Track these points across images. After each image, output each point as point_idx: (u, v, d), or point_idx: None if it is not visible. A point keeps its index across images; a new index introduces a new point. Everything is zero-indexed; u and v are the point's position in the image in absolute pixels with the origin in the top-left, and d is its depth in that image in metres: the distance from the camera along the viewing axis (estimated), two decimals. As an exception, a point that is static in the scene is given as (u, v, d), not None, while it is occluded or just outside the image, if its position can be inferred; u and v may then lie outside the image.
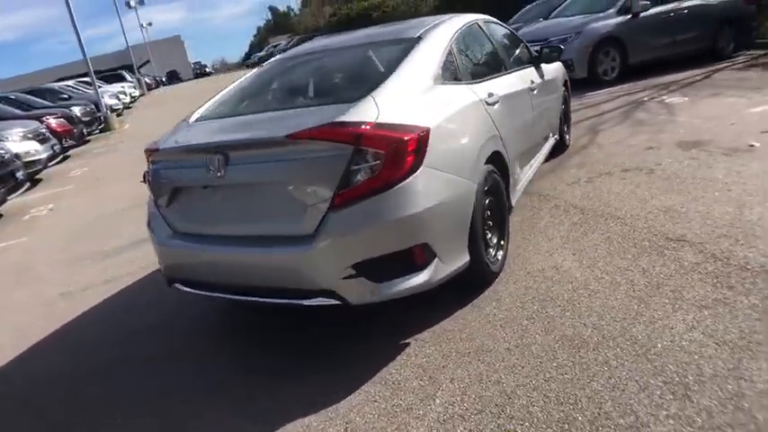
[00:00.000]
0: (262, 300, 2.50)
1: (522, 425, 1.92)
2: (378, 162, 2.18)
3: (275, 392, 2.36)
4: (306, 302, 2.36)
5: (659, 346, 2.20)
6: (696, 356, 2.10)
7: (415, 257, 2.31)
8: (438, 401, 2.12)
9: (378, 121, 2.26)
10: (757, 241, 2.88)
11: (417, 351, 2.46)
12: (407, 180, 2.23)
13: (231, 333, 3.06)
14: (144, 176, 2.88)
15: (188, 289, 2.74)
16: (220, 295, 2.65)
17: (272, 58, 3.87)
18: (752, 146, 4.43)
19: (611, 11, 8.67)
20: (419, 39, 3.05)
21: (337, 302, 2.30)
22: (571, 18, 9.19)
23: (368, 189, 2.19)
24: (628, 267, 2.87)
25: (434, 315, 2.71)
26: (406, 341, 2.55)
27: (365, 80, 2.81)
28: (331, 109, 2.41)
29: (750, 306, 2.35)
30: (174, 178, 2.66)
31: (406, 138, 2.24)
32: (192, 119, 3.08)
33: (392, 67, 2.78)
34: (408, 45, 2.99)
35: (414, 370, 2.34)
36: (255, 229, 2.45)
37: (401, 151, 2.22)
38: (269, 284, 2.42)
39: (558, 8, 10.23)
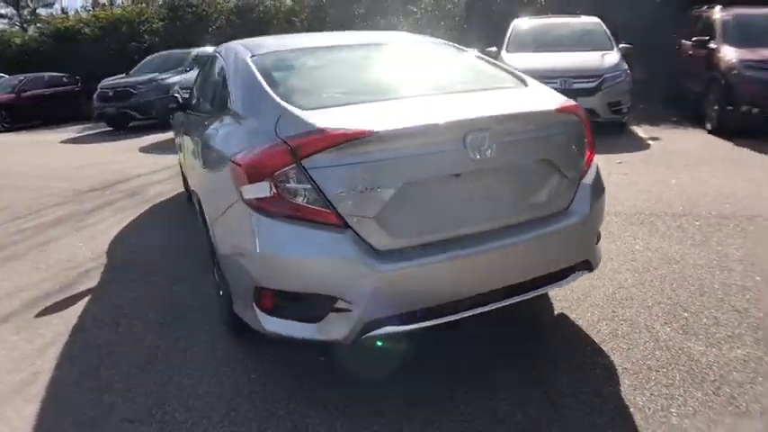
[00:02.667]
0: (502, 304, 2.21)
1: (715, 322, 2.72)
2: (586, 138, 2.46)
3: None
4: (558, 285, 2.35)
5: (700, 261, 3.36)
6: (720, 258, 3.39)
7: None
8: (662, 331, 2.63)
9: None
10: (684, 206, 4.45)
11: (591, 323, 2.76)
12: None
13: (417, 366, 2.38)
14: (277, 186, 1.92)
15: (404, 327, 2.04)
16: (445, 320, 2.11)
17: (272, 54, 2.89)
18: (619, 162, 6.04)
19: (181, 68, 11.23)
20: (452, 44, 3.28)
21: (586, 273, 2.42)
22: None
23: (591, 159, 2.47)
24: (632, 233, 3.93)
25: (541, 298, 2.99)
26: (559, 312, 2.84)
27: (483, 72, 2.91)
28: (520, 91, 2.55)
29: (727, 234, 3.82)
30: (401, 171, 1.98)
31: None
32: (314, 104, 2.23)
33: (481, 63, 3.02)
34: (453, 48, 3.23)
35: (608, 332, 2.71)
36: (510, 217, 2.19)
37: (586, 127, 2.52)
38: (525, 277, 2.22)
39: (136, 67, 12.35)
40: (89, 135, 11.21)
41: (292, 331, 2.05)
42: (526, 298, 2.27)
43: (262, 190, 1.95)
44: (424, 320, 2.07)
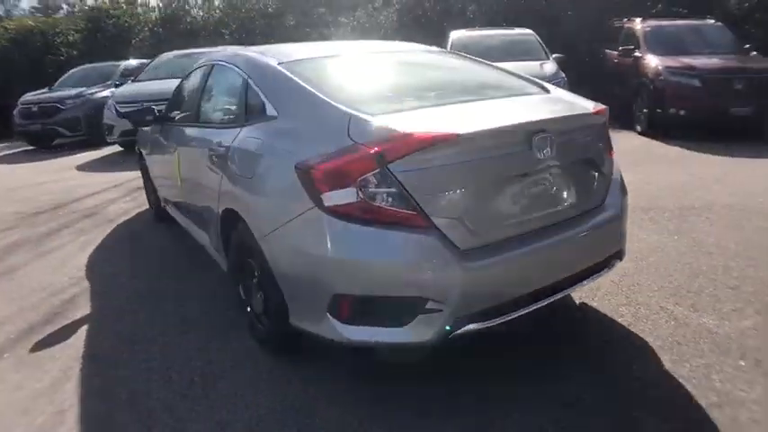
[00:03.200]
0: (558, 296, 2.33)
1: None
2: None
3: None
4: (604, 273, 2.52)
5: (682, 249, 3.71)
6: (697, 244, 3.74)
7: None
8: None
9: None
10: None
11: (612, 309, 2.96)
12: None
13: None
14: (361, 190, 1.93)
15: (485, 324, 2.09)
16: (519, 314, 2.19)
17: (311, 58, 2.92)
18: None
19: (110, 82, 10.79)
20: (462, 54, 3.41)
21: (618, 261, 2.61)
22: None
23: (612, 156, 2.67)
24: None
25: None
26: (580, 302, 3.03)
27: (508, 79, 3.05)
28: (551, 95, 2.76)
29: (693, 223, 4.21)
30: (478, 172, 2.08)
31: None
32: (378, 109, 2.23)
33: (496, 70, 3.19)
34: (465, 57, 3.38)
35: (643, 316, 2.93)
36: (562, 213, 2.34)
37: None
38: (583, 266, 2.38)
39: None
40: (10, 155, 10.30)
41: (376, 337, 2.04)
42: (582, 286, 2.44)
43: (347, 196, 1.95)
44: (502, 315, 2.14)
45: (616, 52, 9.07)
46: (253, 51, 3.18)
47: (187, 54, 10.33)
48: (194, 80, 3.77)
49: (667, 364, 2.38)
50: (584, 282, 2.46)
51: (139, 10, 14.85)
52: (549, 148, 2.20)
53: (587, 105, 2.55)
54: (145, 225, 5.12)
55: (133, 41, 14.28)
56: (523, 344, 2.62)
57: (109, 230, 5.00)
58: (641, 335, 2.63)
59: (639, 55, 8.33)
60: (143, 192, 6.31)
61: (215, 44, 13.93)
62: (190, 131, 3.48)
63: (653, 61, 7.92)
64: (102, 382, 2.61)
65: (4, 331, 3.19)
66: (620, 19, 10.09)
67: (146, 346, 2.87)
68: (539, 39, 9.06)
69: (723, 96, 7.02)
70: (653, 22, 8.96)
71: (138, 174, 7.28)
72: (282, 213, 2.19)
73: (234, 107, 2.94)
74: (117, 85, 10.44)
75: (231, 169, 2.64)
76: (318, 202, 2.01)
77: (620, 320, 2.78)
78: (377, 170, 1.94)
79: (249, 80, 2.75)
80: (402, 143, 1.95)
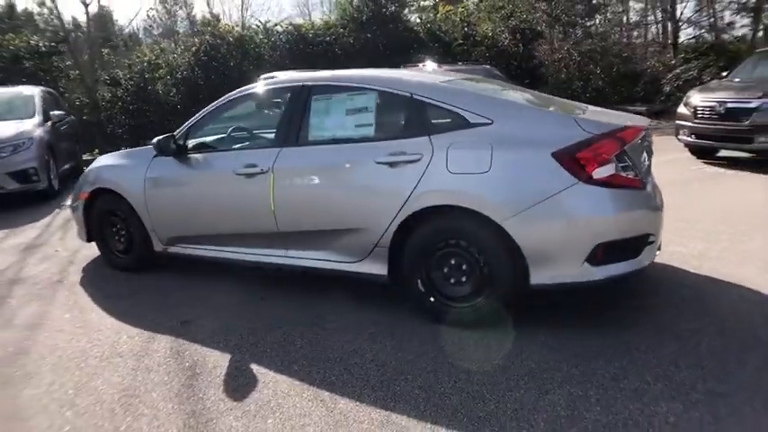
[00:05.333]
0: None
1: None
2: None
3: None
4: None
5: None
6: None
7: None
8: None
9: None
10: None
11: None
12: None
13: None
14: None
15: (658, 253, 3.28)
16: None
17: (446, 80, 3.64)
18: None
19: None
20: None
21: None
22: None
23: None
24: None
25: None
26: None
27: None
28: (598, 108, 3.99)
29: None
30: (641, 151, 3.27)
31: None
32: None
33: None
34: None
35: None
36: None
37: None
38: None
39: None
40: None
41: (618, 270, 2.92)
42: None
43: (609, 169, 2.85)
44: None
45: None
46: (377, 74, 3.76)
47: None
48: (268, 104, 4.06)
49: (695, 270, 3.89)
50: None
51: None
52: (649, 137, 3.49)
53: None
54: (129, 276, 4.52)
55: None
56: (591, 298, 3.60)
57: (78, 289, 4.28)
58: (659, 261, 4.04)
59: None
60: (45, 248, 5.47)
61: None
62: (301, 152, 3.56)
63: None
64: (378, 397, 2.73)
65: (160, 394, 2.81)
66: (413, 63, 12.24)
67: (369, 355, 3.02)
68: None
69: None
70: (448, 67, 11.28)
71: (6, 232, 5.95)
72: (537, 193, 2.87)
73: (400, 120, 3.38)
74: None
75: (440, 170, 3.05)
76: (585, 178, 2.82)
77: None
78: (619, 150, 2.91)
79: (419, 97, 3.22)
80: (631, 131, 3.02)
